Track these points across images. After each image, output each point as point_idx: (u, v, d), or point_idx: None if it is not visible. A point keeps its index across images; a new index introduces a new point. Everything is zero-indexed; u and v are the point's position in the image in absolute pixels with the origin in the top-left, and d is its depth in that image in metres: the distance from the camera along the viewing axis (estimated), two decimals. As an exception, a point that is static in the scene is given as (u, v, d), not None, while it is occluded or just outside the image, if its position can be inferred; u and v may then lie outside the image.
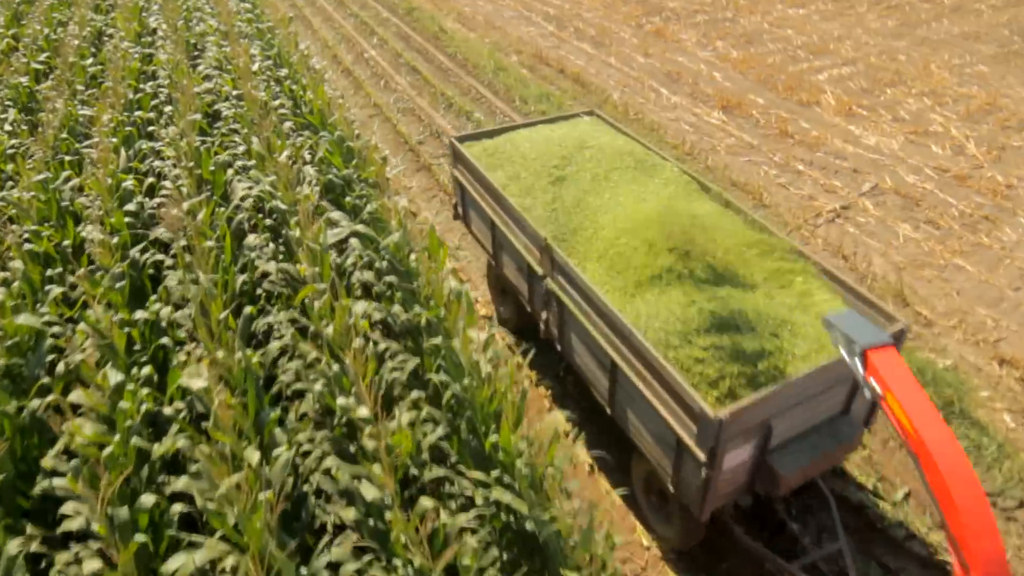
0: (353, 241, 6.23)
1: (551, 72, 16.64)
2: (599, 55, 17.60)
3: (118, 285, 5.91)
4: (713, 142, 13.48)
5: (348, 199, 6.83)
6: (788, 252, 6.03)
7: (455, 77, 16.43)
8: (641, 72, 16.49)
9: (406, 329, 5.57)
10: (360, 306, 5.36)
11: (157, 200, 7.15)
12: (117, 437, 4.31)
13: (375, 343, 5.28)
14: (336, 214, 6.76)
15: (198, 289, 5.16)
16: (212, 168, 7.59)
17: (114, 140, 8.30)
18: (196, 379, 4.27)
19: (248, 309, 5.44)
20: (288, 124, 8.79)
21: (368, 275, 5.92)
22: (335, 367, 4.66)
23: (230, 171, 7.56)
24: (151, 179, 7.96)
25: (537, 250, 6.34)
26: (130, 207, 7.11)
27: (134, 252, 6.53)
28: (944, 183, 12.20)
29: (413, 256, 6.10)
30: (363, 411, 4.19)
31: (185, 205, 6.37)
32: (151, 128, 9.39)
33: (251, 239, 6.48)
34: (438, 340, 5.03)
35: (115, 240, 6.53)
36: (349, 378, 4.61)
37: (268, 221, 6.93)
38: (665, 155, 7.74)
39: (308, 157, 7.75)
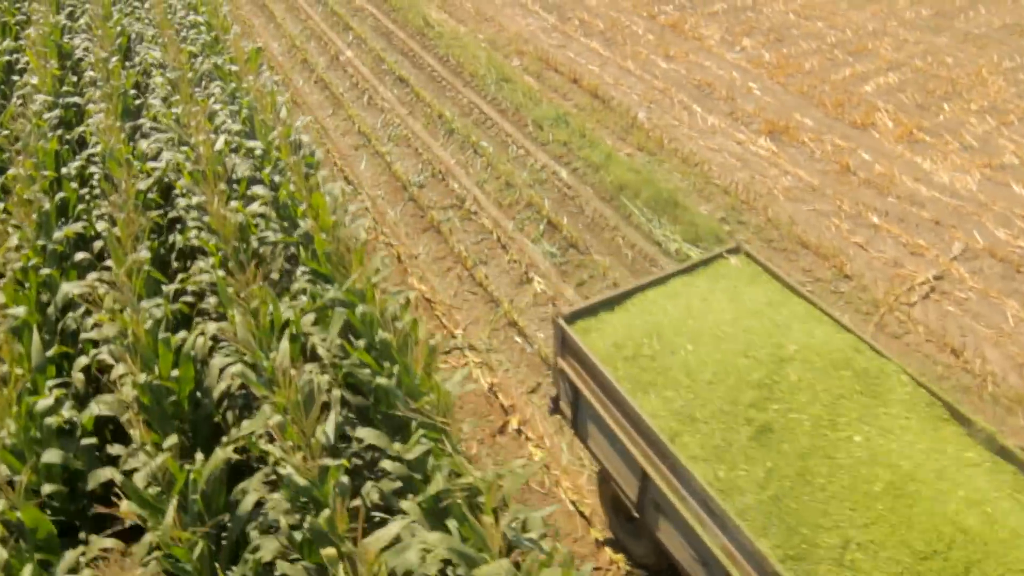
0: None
1: (562, 81, 14.33)
2: (614, 57, 15.30)
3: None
4: (767, 182, 11.50)
5: (409, 494, 4.34)
6: None
7: (451, 90, 14.00)
8: (666, 82, 14.29)
9: None
10: None
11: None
12: None
13: None
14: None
15: None
16: (176, 372, 5.20)
17: (20, 313, 5.68)
18: None
19: None
20: (274, 237, 6.44)
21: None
22: None
23: (198, 341, 5.24)
24: (84, 359, 5.53)
25: (756, 573, 4.14)
26: (52, 456, 4.77)
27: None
28: (1041, 238, 10.47)
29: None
30: None
31: (140, 478, 4.19)
32: (80, 256, 6.67)
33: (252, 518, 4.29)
34: None
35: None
36: None
37: (272, 468, 4.68)
38: (880, 349, 5.40)
39: (318, 337, 5.32)
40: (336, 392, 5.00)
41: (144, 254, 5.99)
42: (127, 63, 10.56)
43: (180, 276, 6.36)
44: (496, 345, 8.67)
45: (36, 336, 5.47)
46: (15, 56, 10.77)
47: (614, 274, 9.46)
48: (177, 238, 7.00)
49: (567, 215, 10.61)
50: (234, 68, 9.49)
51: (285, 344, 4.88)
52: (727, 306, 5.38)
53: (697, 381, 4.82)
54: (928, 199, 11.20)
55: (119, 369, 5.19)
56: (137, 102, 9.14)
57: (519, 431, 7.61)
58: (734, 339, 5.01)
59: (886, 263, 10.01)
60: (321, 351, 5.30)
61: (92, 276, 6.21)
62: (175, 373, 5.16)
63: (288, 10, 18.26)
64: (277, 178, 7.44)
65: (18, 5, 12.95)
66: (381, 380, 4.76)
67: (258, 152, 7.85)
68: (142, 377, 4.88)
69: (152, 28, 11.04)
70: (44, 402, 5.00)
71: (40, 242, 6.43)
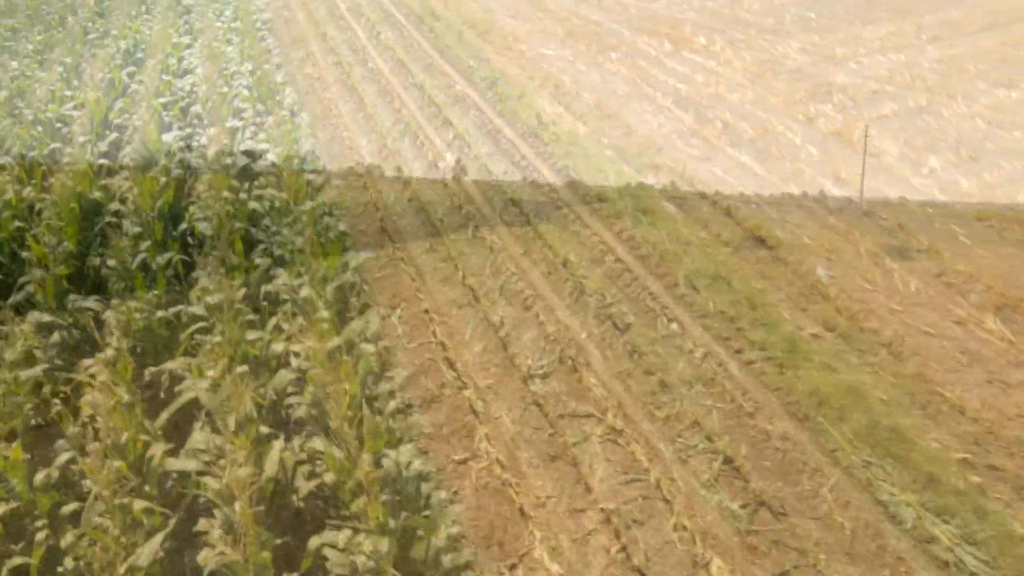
0: None
1: (713, 214, 11.61)
2: (770, 178, 12.52)
3: None
4: (1014, 395, 8.48)
5: None
6: None
7: (576, 221, 11.43)
8: (845, 221, 11.42)
9: None
10: None
11: None
12: None
13: None
14: None
15: None
16: None
17: None
18: None
19: None
20: None
21: None
22: None
23: None
24: None
25: None
26: None
27: None
28: None
29: None
30: None
31: None
32: None
33: None
34: None
35: None
36: None
37: None
38: None
39: None
40: None
41: None
42: (162, 252, 7.84)
43: None
44: (565, 534, 5.92)
45: None
46: (37, 208, 8.43)
47: (833, 568, 6.60)
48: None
49: (747, 443, 7.83)
50: (307, 350, 6.52)
51: None
52: None
53: None
54: None
55: None
56: (170, 331, 6.57)
57: None
58: None
59: None
60: None
61: None
62: None
63: (379, 94, 16.06)
64: (364, 558, 4.68)
65: (59, 124, 10.85)
66: None
67: (328, 478, 5.19)
68: None
69: (202, 197, 8.54)
70: None
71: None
